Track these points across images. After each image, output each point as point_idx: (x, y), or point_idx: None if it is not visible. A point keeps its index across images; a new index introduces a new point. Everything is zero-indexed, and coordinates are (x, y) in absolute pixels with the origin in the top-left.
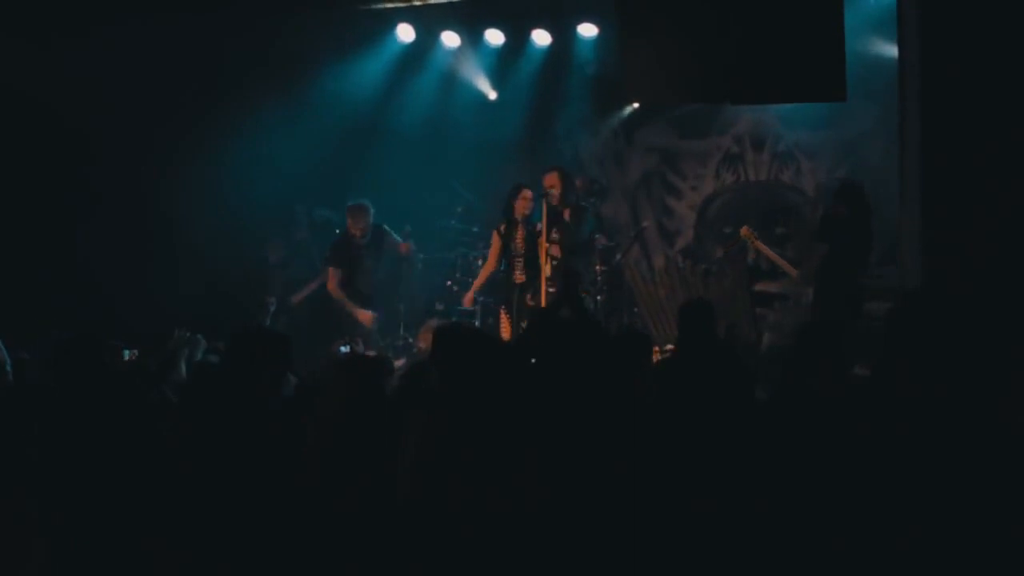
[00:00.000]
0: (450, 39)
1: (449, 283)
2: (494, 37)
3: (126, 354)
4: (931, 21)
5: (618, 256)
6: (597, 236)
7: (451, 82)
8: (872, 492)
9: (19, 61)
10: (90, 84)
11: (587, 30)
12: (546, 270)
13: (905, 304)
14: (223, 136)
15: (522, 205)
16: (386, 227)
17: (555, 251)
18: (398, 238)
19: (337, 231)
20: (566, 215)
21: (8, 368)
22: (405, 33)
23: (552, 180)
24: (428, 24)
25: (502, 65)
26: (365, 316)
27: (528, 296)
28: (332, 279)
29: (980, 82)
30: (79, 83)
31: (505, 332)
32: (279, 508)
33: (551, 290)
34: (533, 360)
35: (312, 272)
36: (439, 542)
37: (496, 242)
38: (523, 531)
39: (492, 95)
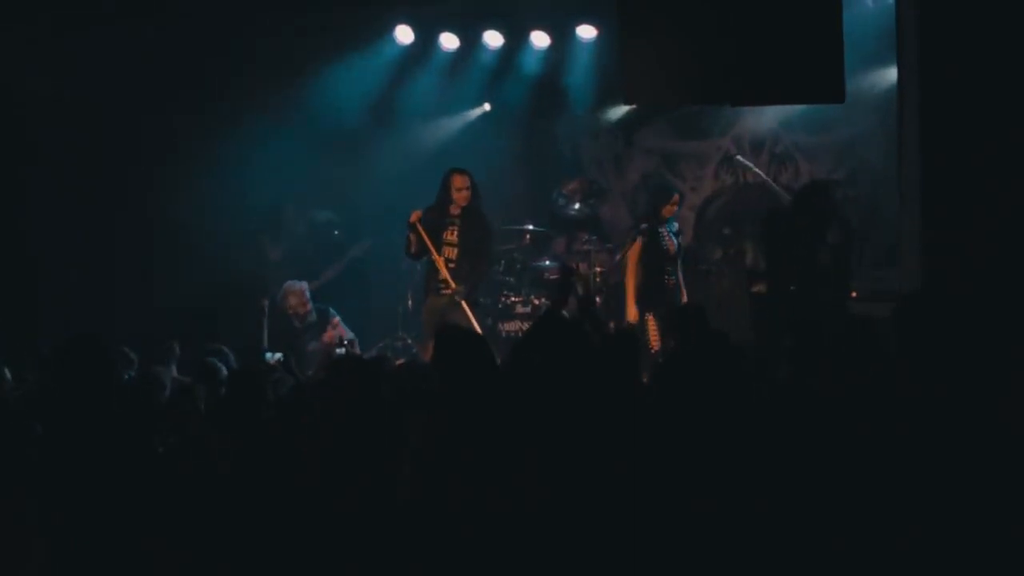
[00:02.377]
0: (448, 41)
1: None
2: (493, 39)
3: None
4: (930, 22)
5: (617, 257)
6: (592, 238)
7: (449, 84)
8: (872, 492)
9: (12, 63)
10: (84, 85)
11: (586, 31)
12: (444, 272)
13: (905, 305)
14: (219, 138)
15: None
16: (333, 312)
17: (451, 253)
18: (349, 333)
19: (336, 232)
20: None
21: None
22: (403, 35)
23: (464, 181)
24: (426, 26)
25: (501, 66)
26: None
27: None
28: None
29: (979, 82)
30: (73, 84)
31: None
32: (279, 508)
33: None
34: (535, 359)
35: (308, 273)
36: (439, 542)
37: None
38: (523, 531)
39: (491, 96)
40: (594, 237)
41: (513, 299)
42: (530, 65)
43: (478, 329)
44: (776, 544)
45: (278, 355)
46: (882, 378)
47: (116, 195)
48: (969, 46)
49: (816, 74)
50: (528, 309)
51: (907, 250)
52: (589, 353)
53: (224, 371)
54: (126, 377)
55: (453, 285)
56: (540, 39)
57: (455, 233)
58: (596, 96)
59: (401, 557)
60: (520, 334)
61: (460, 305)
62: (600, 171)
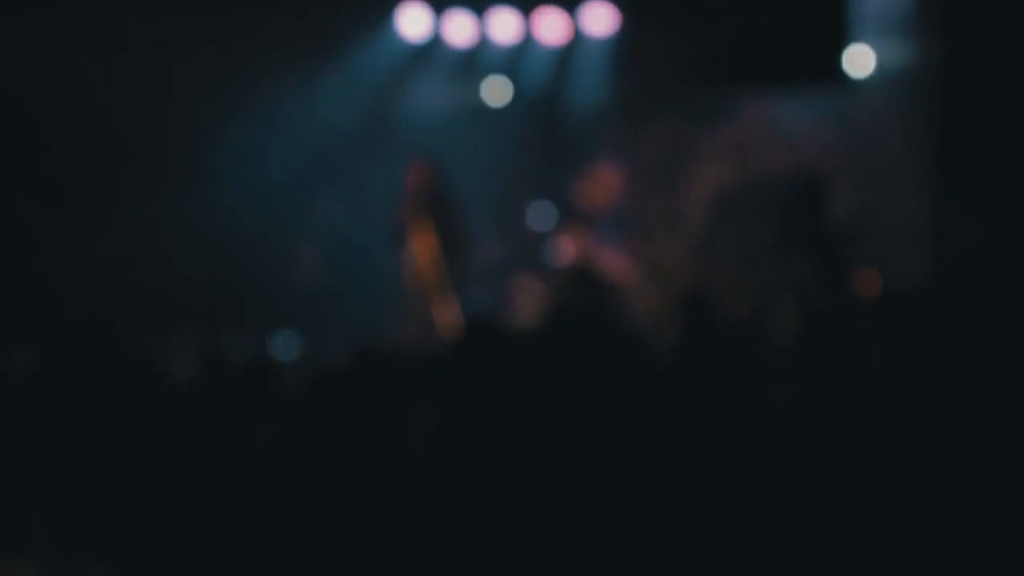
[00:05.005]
0: (453, 28)
1: None
2: (499, 25)
3: None
4: (947, 11)
5: (625, 248)
6: (605, 227)
7: (451, 74)
8: (872, 492)
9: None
10: (82, 84)
11: (597, 17)
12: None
13: (906, 304)
14: (220, 137)
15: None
16: None
17: (429, 244)
18: None
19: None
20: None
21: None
22: (409, 20)
23: (413, 174)
24: (433, 9)
25: (508, 55)
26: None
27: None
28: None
29: (993, 77)
30: (74, 84)
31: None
32: (279, 508)
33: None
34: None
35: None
36: (440, 542)
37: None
38: (523, 531)
39: (497, 85)
40: (606, 227)
41: (522, 290)
42: (540, 51)
43: (457, 321)
44: (776, 544)
45: (289, 346)
46: (881, 377)
47: (116, 195)
48: (985, 39)
49: (822, 56)
50: (538, 300)
51: (919, 245)
52: (599, 349)
53: (233, 367)
54: (127, 376)
55: (435, 278)
56: (549, 25)
57: (430, 224)
58: (606, 82)
59: (401, 557)
60: (528, 326)
61: (441, 296)
62: (609, 160)
